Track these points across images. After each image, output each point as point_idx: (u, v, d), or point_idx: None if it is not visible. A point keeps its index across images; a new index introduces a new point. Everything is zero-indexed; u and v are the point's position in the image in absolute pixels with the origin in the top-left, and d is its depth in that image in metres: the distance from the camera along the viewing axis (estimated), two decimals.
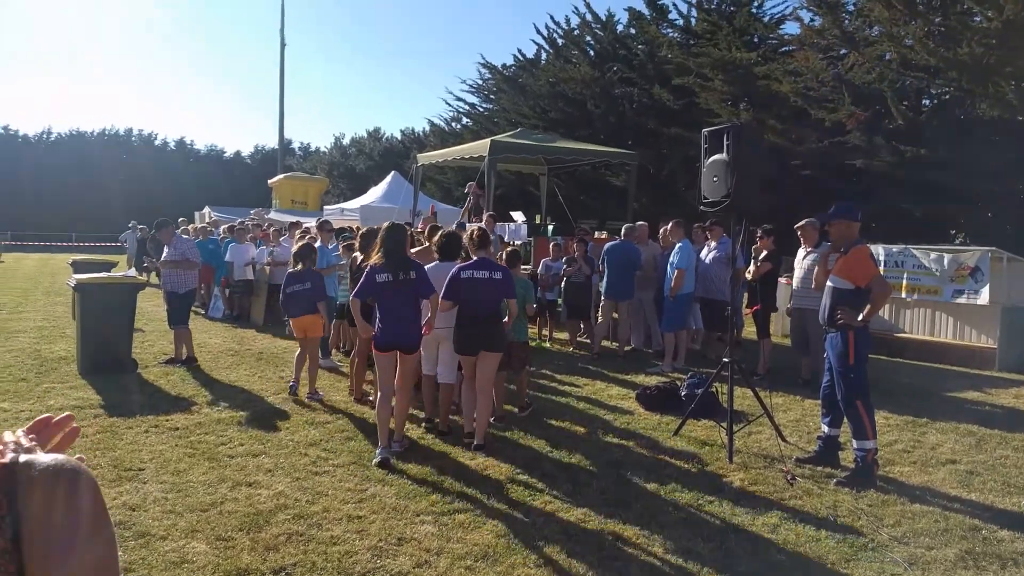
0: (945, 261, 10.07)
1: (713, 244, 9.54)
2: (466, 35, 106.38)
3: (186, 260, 8.77)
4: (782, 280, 9.96)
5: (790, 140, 16.56)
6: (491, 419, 6.17)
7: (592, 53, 24.10)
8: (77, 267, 12.67)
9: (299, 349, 7.58)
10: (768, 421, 6.02)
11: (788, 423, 6.61)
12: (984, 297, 9.63)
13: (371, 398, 7.09)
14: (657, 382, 7.83)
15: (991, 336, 9.66)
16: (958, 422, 6.75)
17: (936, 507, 4.67)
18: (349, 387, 7.54)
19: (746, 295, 9.42)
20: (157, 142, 59.21)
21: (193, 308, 10.32)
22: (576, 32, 25.01)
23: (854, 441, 5.16)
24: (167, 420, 6.31)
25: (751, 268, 8.93)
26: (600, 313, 10.09)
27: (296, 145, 64.21)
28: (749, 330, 9.84)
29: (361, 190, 27.99)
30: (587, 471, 5.27)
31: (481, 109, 29.87)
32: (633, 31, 23.38)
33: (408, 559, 3.84)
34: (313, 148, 63.62)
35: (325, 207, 22.62)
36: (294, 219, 17.16)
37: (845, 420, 5.29)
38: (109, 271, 11.38)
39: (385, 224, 5.91)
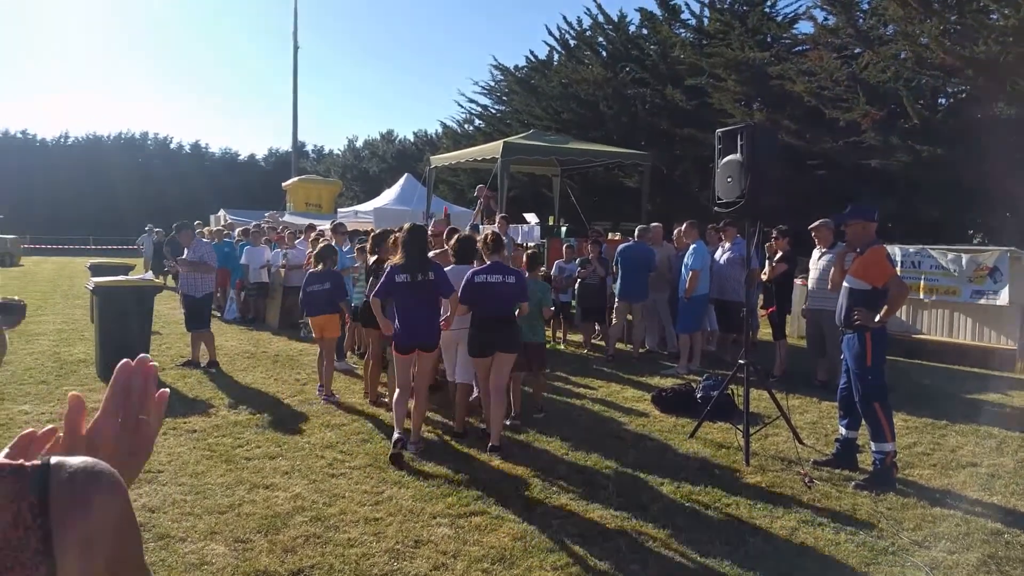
0: (963, 261, 9.98)
1: (727, 245, 9.50)
2: (478, 37, 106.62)
3: (203, 263, 8.82)
4: (797, 281, 9.90)
5: (804, 140, 16.44)
6: (506, 421, 6.19)
7: (604, 54, 24.04)
8: (95, 270, 12.80)
9: (319, 354, 7.71)
10: (785, 423, 5.98)
11: (805, 425, 6.57)
12: (1004, 297, 9.53)
13: (386, 400, 7.13)
14: (672, 384, 7.82)
15: (1011, 337, 9.56)
16: (978, 424, 6.68)
17: (957, 511, 4.63)
18: (364, 389, 7.57)
19: (761, 296, 9.37)
20: (172, 146, 59.72)
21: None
22: (588, 33, 24.96)
23: (872, 444, 5.11)
24: (185, 422, 6.35)
25: (766, 269, 8.89)
26: (614, 315, 10.07)
27: (310, 148, 64.56)
28: (765, 331, 9.79)
29: (375, 192, 28.08)
30: (603, 473, 5.26)
31: (493, 111, 29.87)
32: (645, 31, 23.31)
33: (425, 561, 3.85)
34: (327, 151, 63.93)
35: (339, 209, 22.71)
36: (308, 222, 17.27)
37: (863, 422, 5.25)
38: (127, 274, 11.48)
39: (406, 226, 6.04)
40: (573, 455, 5.69)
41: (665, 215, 14.41)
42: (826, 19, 16.72)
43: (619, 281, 9.77)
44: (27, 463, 0.81)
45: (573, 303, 10.99)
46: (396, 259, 5.77)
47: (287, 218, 21.44)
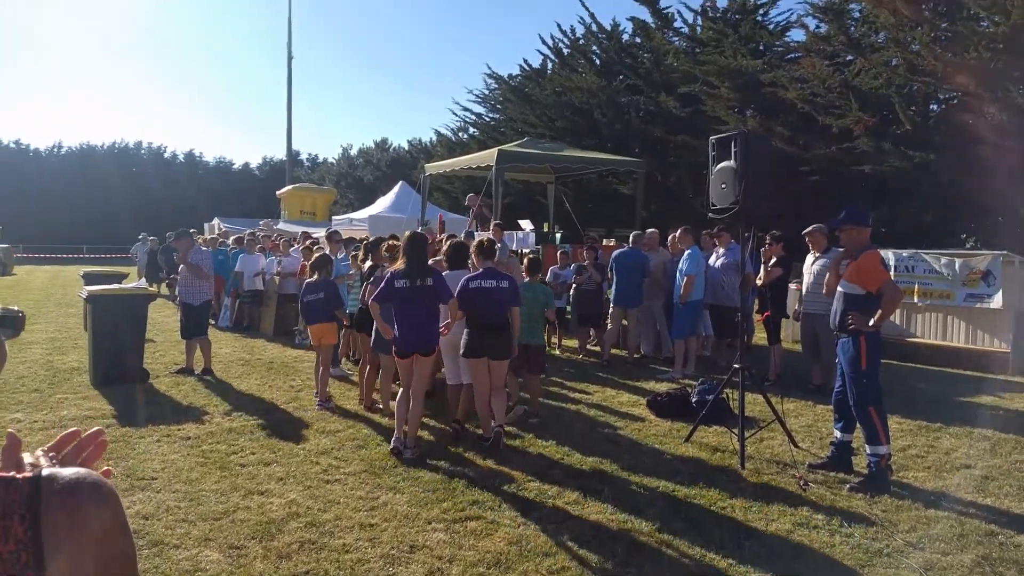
0: (956, 265, 10.03)
1: (721, 251, 9.53)
2: (472, 46, 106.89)
3: (203, 270, 8.85)
4: (792, 286, 9.93)
5: (797, 147, 16.53)
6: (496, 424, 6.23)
7: (598, 62, 24.15)
8: (88, 279, 12.76)
9: (316, 361, 7.78)
10: (780, 427, 5.99)
11: (800, 429, 6.58)
12: (997, 301, 9.57)
13: (380, 406, 7.15)
14: (668, 388, 7.83)
15: (1004, 340, 9.60)
16: (972, 427, 6.70)
17: (951, 512, 4.64)
18: (359, 396, 7.57)
19: (756, 301, 9.40)
20: (166, 155, 59.59)
21: None
22: (581, 42, 25.07)
23: (867, 447, 5.12)
24: (179, 430, 6.33)
25: (761, 274, 8.92)
26: (609, 320, 10.09)
27: (304, 156, 64.56)
28: (760, 336, 9.81)
29: (369, 200, 28.11)
30: (599, 478, 5.26)
31: (488, 119, 29.93)
32: (638, 40, 23.43)
33: (420, 567, 3.84)
34: (321, 159, 63.93)
35: (334, 217, 22.71)
36: (303, 230, 17.27)
37: (857, 426, 5.26)
38: (120, 283, 11.45)
39: (406, 233, 6.25)
40: (569, 459, 5.68)
41: (659, 221, 14.44)
42: (818, 27, 16.87)
43: (614, 287, 9.79)
44: (18, 475, 0.80)
45: (568, 309, 11.00)
46: (397, 265, 5.87)
47: (281, 226, 21.42)
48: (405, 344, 5.78)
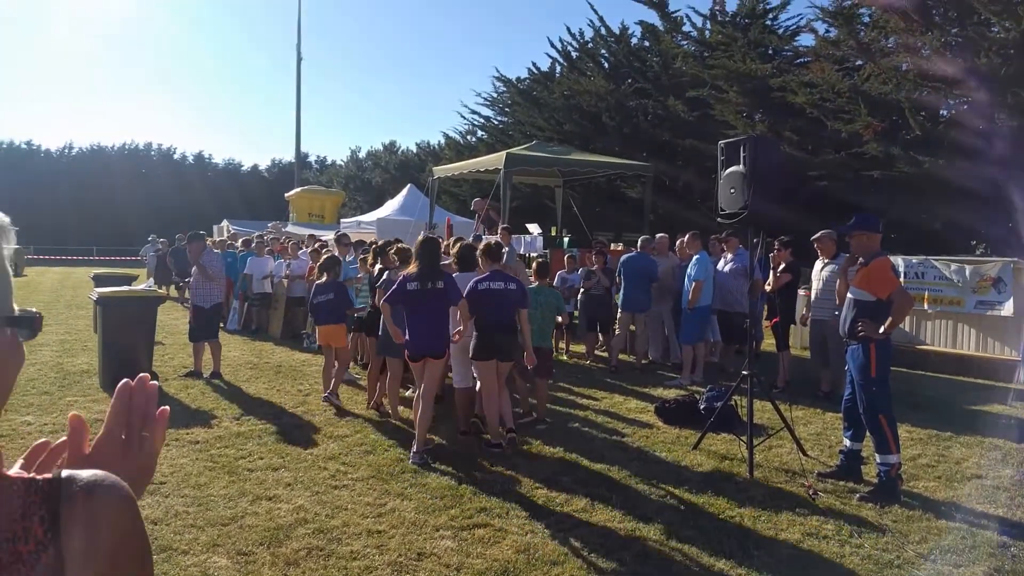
0: (967, 272, 9.97)
1: (729, 256, 9.51)
2: (481, 49, 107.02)
3: (218, 272, 8.95)
4: (801, 292, 9.89)
5: (806, 151, 16.47)
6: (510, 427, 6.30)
7: (607, 66, 24.15)
8: (99, 281, 12.83)
9: (324, 362, 7.89)
10: (789, 435, 5.96)
11: (809, 437, 6.55)
12: (1008, 308, 9.51)
13: (388, 410, 7.16)
14: (676, 395, 7.80)
15: (1015, 348, 9.52)
16: (983, 436, 6.65)
17: (963, 523, 4.60)
18: (367, 400, 7.59)
19: (765, 307, 9.36)
20: (176, 156, 59.87)
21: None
22: (590, 45, 25.08)
23: (877, 455, 5.09)
24: (187, 433, 6.35)
25: (770, 279, 8.89)
26: (617, 325, 10.07)
27: (313, 159, 64.71)
28: (768, 342, 9.77)
29: (377, 203, 28.15)
30: (607, 485, 5.24)
31: (496, 122, 29.96)
32: (647, 43, 23.42)
33: (428, 574, 3.83)
34: (329, 161, 64.11)
35: (342, 220, 22.75)
36: (311, 232, 17.31)
37: (867, 434, 5.23)
38: (130, 285, 11.50)
39: (420, 237, 6.37)
40: (576, 466, 5.67)
41: (667, 226, 14.42)
42: (828, 31, 16.79)
43: (621, 292, 9.78)
44: (38, 476, 0.81)
45: (575, 314, 10.99)
46: (410, 268, 5.95)
47: (290, 229, 21.48)
48: (416, 348, 5.85)
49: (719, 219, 6.12)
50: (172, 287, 18.63)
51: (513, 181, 14.16)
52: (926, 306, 10.30)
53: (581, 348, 10.88)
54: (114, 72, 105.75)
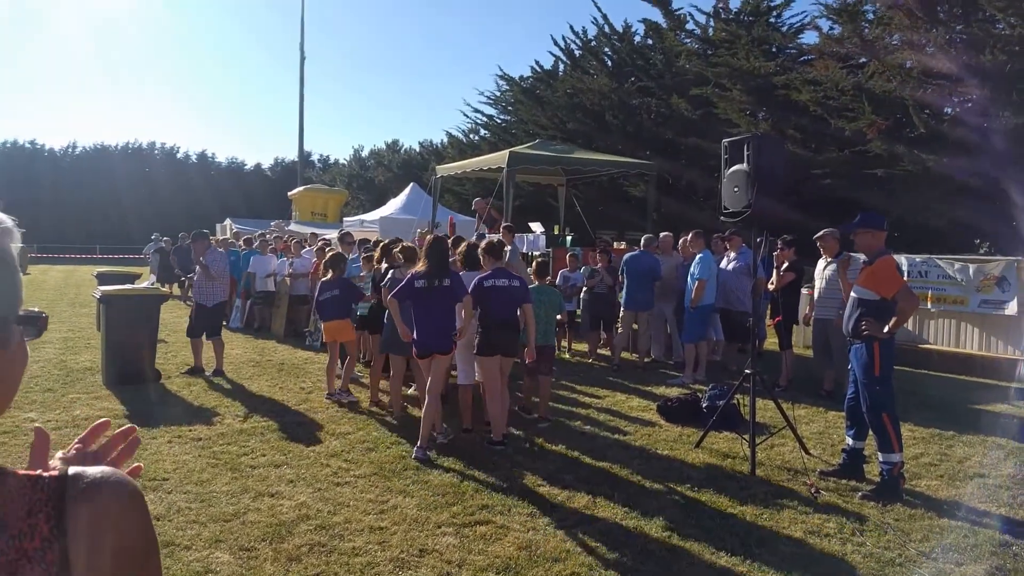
0: (970, 271, 9.94)
1: (732, 255, 9.49)
2: (483, 47, 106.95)
3: (221, 272, 8.99)
4: (804, 291, 9.87)
5: (810, 150, 16.43)
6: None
7: (610, 64, 24.12)
8: (102, 279, 12.86)
9: (328, 360, 7.92)
10: (791, 433, 5.96)
11: (811, 435, 6.54)
12: (1012, 308, 9.48)
13: (391, 409, 7.17)
14: (678, 393, 7.80)
15: (1018, 347, 9.50)
16: (985, 435, 6.64)
17: (965, 522, 4.59)
18: (369, 397, 7.62)
19: (768, 306, 9.35)
20: (179, 155, 59.94)
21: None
22: (593, 43, 25.03)
23: (880, 454, 5.08)
24: (190, 430, 6.36)
25: (774, 278, 8.88)
26: (620, 324, 10.07)
27: (315, 157, 64.77)
28: (771, 341, 9.75)
29: (380, 202, 28.15)
30: (609, 483, 5.24)
31: (499, 121, 29.93)
32: (650, 41, 23.38)
33: (430, 571, 3.84)
34: (332, 160, 64.13)
35: (345, 219, 22.77)
36: (314, 231, 17.32)
37: (870, 433, 5.22)
38: (133, 283, 11.52)
39: (429, 237, 6.49)
40: (578, 464, 5.67)
41: (670, 224, 14.40)
42: (831, 29, 16.76)
43: (624, 290, 9.77)
44: (44, 473, 0.81)
45: (578, 312, 10.99)
46: (419, 267, 6.03)
47: (293, 227, 21.50)
48: (424, 345, 5.92)
49: (723, 218, 6.11)
50: (175, 285, 18.68)
51: (516, 180, 14.14)
52: (929, 305, 10.28)
53: (584, 347, 10.88)
54: (117, 72, 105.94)
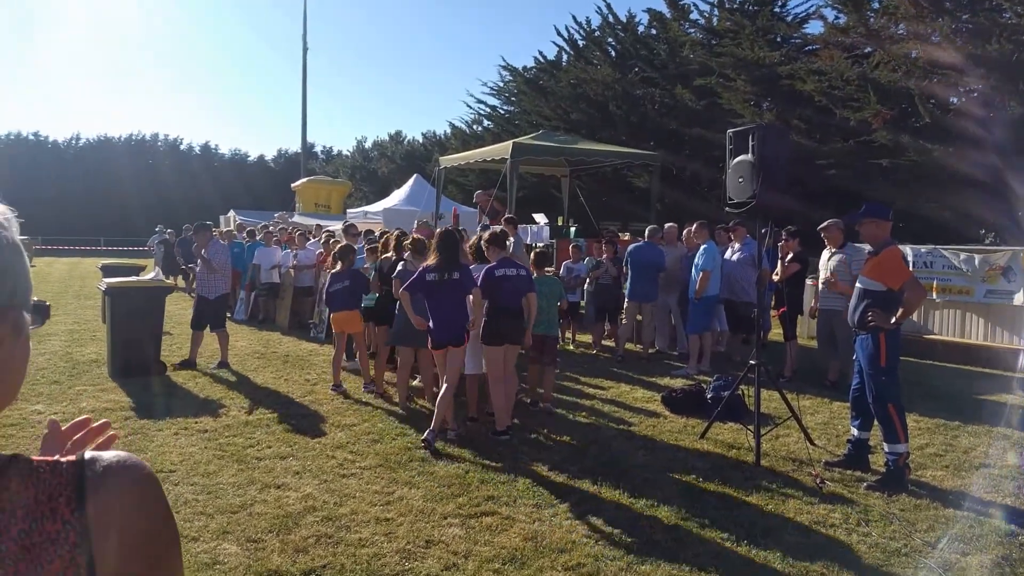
0: (976, 261, 9.92)
1: (737, 245, 9.47)
2: (487, 38, 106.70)
3: (223, 264, 9.02)
4: (808, 282, 9.86)
5: (815, 140, 16.36)
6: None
7: (613, 54, 24.00)
8: (107, 271, 12.89)
9: (334, 352, 7.95)
10: (796, 424, 5.96)
11: (816, 426, 6.54)
12: (1018, 298, 9.46)
13: (396, 399, 7.20)
14: (683, 384, 7.80)
15: (1023, 337, 9.49)
16: (991, 425, 6.63)
17: (970, 512, 4.60)
18: (366, 385, 7.69)
19: (773, 297, 9.34)
20: (182, 147, 59.92)
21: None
22: (597, 33, 24.91)
23: (885, 445, 5.08)
24: (196, 422, 6.39)
25: (778, 269, 8.86)
26: (624, 315, 10.07)
27: (319, 149, 64.68)
28: (776, 332, 9.75)
29: (384, 193, 28.13)
30: (613, 474, 5.25)
31: (502, 111, 29.85)
32: (654, 31, 23.27)
33: (436, 562, 3.85)
34: (335, 152, 64.00)
35: (348, 210, 22.77)
36: (318, 222, 17.32)
37: (875, 423, 5.22)
38: (138, 275, 11.55)
39: (439, 231, 6.56)
40: (583, 455, 5.68)
41: (674, 215, 14.38)
42: (837, 18, 16.64)
43: (628, 282, 9.76)
44: (62, 458, 0.83)
45: (582, 303, 10.98)
46: (430, 260, 6.07)
47: (296, 219, 21.52)
48: (439, 337, 5.99)
49: (727, 208, 6.09)
50: (179, 277, 18.71)
51: (520, 171, 14.12)
52: (934, 295, 10.26)
53: (588, 338, 10.88)
54: (121, 63, 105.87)
